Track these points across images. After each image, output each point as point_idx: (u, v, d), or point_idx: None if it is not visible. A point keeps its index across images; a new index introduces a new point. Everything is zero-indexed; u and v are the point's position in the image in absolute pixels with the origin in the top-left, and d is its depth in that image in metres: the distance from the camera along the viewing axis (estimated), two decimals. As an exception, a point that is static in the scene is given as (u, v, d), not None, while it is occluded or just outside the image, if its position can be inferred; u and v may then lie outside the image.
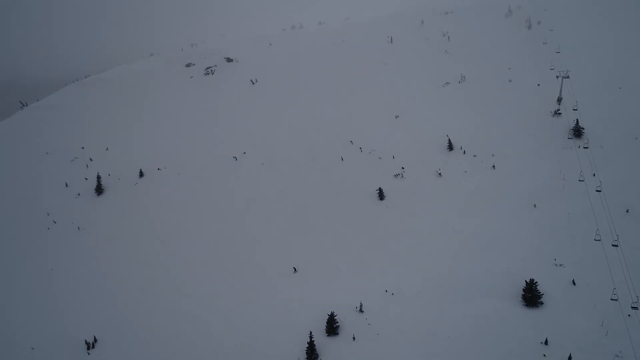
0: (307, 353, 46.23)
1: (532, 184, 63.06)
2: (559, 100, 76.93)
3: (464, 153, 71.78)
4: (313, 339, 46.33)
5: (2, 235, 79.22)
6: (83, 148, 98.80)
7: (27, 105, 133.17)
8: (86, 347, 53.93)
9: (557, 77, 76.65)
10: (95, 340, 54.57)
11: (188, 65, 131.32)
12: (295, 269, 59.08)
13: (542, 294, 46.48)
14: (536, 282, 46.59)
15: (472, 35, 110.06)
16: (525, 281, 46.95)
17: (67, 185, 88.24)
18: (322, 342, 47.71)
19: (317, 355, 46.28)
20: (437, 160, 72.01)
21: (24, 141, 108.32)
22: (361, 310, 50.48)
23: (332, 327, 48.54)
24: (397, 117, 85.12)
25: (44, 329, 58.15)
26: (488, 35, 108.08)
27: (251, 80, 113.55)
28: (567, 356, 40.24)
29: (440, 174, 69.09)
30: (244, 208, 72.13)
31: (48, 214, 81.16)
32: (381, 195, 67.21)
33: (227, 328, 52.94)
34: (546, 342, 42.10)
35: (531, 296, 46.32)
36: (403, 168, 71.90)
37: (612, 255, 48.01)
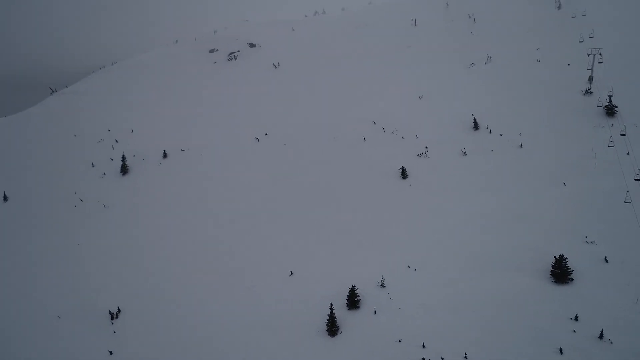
0: (327, 325, 45.89)
1: (561, 162, 60.98)
2: (590, 79, 74.08)
3: (490, 132, 69.94)
4: (334, 312, 45.92)
5: (33, 212, 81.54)
6: (109, 130, 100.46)
7: (56, 91, 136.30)
8: (110, 317, 54.85)
9: (589, 54, 73.73)
10: (119, 310, 55.46)
11: (211, 51, 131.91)
12: (316, 244, 58.67)
13: (572, 270, 44.82)
14: (566, 258, 44.96)
15: (499, 16, 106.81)
16: (555, 257, 45.35)
17: (93, 166, 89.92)
18: (343, 315, 47.30)
19: (337, 328, 45.87)
20: (461, 139, 70.35)
21: (54, 124, 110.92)
22: (383, 285, 49.79)
23: (353, 300, 48.00)
24: (420, 97, 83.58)
25: (70, 300, 59.47)
26: (516, 16, 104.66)
27: (274, 65, 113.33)
28: (599, 332, 38.74)
29: (464, 153, 67.51)
30: (266, 186, 72.05)
31: (75, 193, 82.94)
32: (404, 173, 66.10)
33: (248, 301, 53.06)
34: (576, 318, 40.59)
35: (560, 272, 44.71)
36: (426, 147, 70.56)
37: (647, 232, 46.03)
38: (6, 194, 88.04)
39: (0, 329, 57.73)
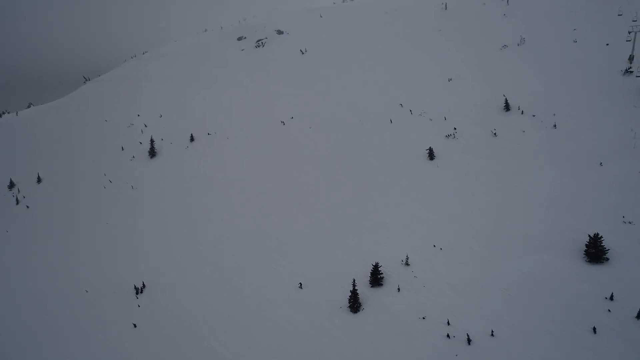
0: (350, 302, 45.15)
1: (598, 142, 58.04)
2: (631, 58, 70.28)
3: (522, 113, 67.38)
4: (356, 288, 45.12)
5: (64, 193, 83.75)
6: (139, 115, 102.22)
7: (89, 79, 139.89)
8: (135, 291, 55.62)
9: (630, 32, 70.06)
10: (144, 285, 56.18)
11: (239, 38, 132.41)
12: (341, 224, 57.89)
13: (608, 250, 42.57)
14: (601, 237, 42.73)
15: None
16: (589, 235, 43.16)
17: (123, 149, 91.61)
18: (366, 292, 46.47)
19: (360, 304, 45.05)
20: (492, 120, 68.10)
21: (86, 110, 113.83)
22: (407, 264, 48.62)
23: (376, 278, 47.07)
24: (450, 80, 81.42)
25: (97, 275, 60.76)
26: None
27: (301, 51, 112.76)
28: (636, 312, 36.59)
29: (495, 134, 65.27)
30: (292, 168, 71.63)
31: (105, 175, 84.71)
32: (431, 155, 64.47)
33: (272, 278, 52.86)
34: (612, 298, 38.49)
35: (595, 252, 42.48)
36: (455, 129, 68.62)
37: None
38: (40, 175, 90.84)
39: (32, 300, 59.57)
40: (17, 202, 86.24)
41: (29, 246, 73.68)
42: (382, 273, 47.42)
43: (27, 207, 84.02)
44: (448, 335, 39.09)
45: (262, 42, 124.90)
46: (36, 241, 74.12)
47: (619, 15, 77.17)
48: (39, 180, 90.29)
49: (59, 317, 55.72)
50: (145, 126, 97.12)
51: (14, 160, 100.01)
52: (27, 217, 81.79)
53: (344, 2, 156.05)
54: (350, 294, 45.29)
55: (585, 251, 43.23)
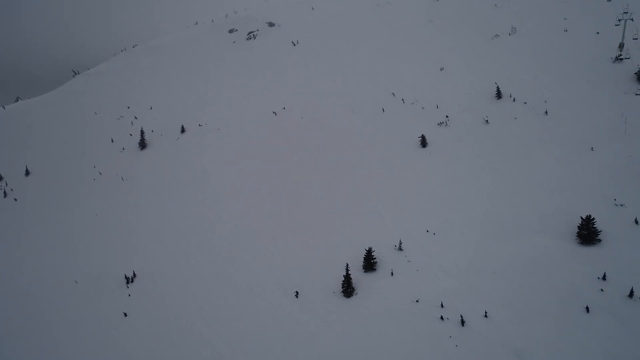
0: (343, 286, 44.91)
1: (589, 128, 58.19)
2: (621, 46, 70.45)
3: (514, 101, 67.38)
4: (349, 273, 44.88)
5: (52, 186, 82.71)
6: (129, 108, 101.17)
7: (78, 73, 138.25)
8: (125, 281, 55.00)
9: (620, 20, 70.14)
10: (134, 275, 55.55)
11: (231, 31, 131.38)
12: (333, 211, 57.56)
13: (600, 231, 42.66)
14: (593, 219, 42.79)
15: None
16: (581, 217, 43.19)
17: (112, 141, 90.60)
18: (359, 277, 46.28)
19: (353, 289, 44.83)
20: (484, 108, 68.01)
21: (75, 103, 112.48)
22: (400, 249, 48.45)
23: (369, 262, 46.86)
24: (441, 69, 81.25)
25: (87, 266, 60.10)
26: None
27: (292, 42, 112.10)
28: (628, 291, 36.69)
29: (487, 121, 65.23)
30: (284, 157, 71.13)
31: (94, 167, 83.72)
32: (424, 142, 64.30)
33: (264, 266, 52.53)
34: (604, 278, 38.57)
35: (587, 233, 42.54)
36: (447, 116, 68.50)
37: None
38: (28, 168, 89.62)
39: (22, 292, 58.74)
40: (5, 194, 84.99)
41: (18, 238, 72.63)
42: (375, 258, 47.21)
43: (15, 199, 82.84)
44: (442, 318, 38.99)
45: (253, 35, 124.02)
46: (25, 233, 73.05)
47: (607, 1, 77.32)
48: (27, 173, 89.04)
49: (50, 309, 55.00)
50: (136, 118, 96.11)
51: (2, 154, 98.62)
52: (15, 209, 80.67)
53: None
54: (343, 279, 45.04)
55: (577, 233, 43.30)
